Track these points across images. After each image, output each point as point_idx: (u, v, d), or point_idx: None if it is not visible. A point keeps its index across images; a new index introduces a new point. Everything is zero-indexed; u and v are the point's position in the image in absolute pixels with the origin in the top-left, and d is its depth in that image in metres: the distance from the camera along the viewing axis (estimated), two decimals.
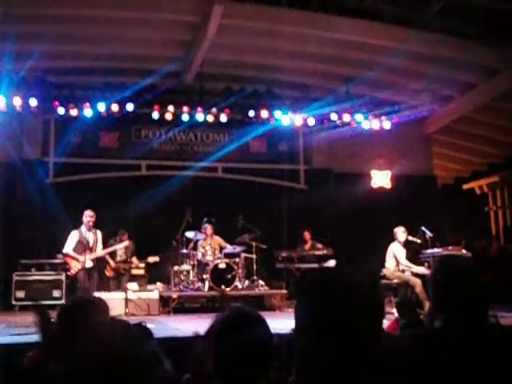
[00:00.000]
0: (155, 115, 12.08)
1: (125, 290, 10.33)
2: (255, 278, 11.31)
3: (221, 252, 11.45)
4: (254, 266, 11.43)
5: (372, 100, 13.05)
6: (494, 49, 10.78)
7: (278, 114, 12.56)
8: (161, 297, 10.39)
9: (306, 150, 14.45)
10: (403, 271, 10.16)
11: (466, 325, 2.12)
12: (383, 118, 13.04)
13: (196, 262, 11.22)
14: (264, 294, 11.25)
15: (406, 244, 10.43)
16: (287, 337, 2.33)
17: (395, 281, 10.08)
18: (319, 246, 12.32)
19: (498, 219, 16.48)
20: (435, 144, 15.22)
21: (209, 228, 11.51)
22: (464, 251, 10.51)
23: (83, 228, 9.85)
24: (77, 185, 12.50)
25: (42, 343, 2.86)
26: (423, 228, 10.66)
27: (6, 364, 5.50)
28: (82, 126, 12.30)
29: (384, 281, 10.10)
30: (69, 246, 9.78)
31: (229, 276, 10.77)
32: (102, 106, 11.54)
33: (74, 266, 9.66)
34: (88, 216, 9.80)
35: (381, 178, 14.39)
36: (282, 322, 4.71)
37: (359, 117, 12.92)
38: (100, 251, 10.12)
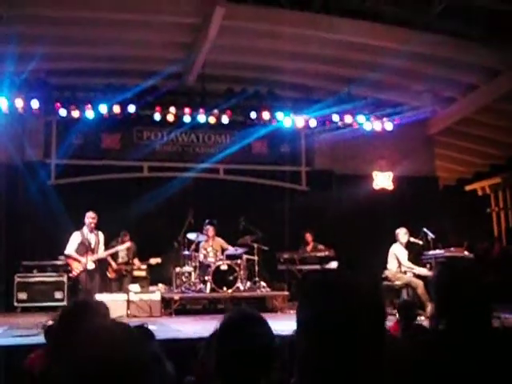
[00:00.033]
0: (157, 117, 12.09)
1: (127, 291, 10.32)
2: (257, 279, 11.31)
3: (222, 253, 11.45)
4: (256, 268, 11.42)
5: (374, 101, 13.05)
6: (495, 50, 10.77)
7: (279, 115, 12.56)
8: (163, 298, 10.39)
9: (308, 151, 14.44)
10: (405, 272, 10.15)
11: (468, 327, 2.11)
12: (385, 119, 13.03)
13: (198, 264, 11.22)
14: (266, 295, 11.25)
15: (408, 245, 10.42)
16: (289, 338, 2.32)
17: (397, 282, 10.07)
18: (321, 247, 12.31)
19: (500, 220, 16.46)
20: (437, 145, 15.21)
21: (210, 229, 11.52)
22: (466, 253, 10.50)
23: (85, 229, 9.86)
24: (78, 186, 12.51)
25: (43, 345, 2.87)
26: (425, 229, 10.65)
27: (8, 365, 5.51)
28: (83, 128, 12.31)
29: (386, 282, 10.09)
30: (71, 248, 9.78)
31: (230, 277, 10.77)
32: (103, 108, 11.54)
33: (76, 268, 9.66)
34: (90, 217, 9.81)
35: (383, 180, 14.38)
36: (283, 324, 4.70)
37: (361, 118, 12.91)
38: (102, 253, 10.13)
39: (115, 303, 9.67)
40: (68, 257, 9.88)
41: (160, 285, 11.35)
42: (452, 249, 10.46)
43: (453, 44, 10.78)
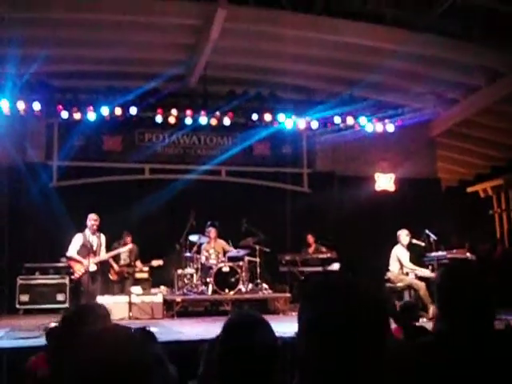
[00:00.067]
0: (158, 119, 12.11)
1: (128, 293, 10.34)
2: (259, 281, 11.30)
3: (224, 255, 11.45)
4: (258, 270, 11.41)
5: (375, 103, 13.05)
6: (497, 51, 10.75)
7: (281, 117, 12.57)
8: (164, 300, 10.39)
9: (310, 153, 14.44)
10: (407, 274, 10.14)
11: (471, 329, 2.11)
12: (387, 121, 13.04)
13: (200, 266, 11.21)
14: (268, 297, 11.23)
15: (410, 247, 10.42)
16: (291, 340, 2.32)
17: (399, 284, 10.06)
18: (323, 249, 12.31)
19: (503, 222, 16.42)
20: (439, 147, 15.19)
21: (212, 231, 11.52)
22: (468, 254, 10.49)
23: (87, 231, 9.86)
24: (80, 188, 12.50)
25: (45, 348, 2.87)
26: (427, 231, 10.65)
27: (10, 367, 5.51)
28: (85, 130, 12.32)
29: (388, 284, 10.09)
30: (73, 249, 9.78)
31: (232, 279, 10.77)
32: (105, 110, 11.56)
33: (78, 270, 9.66)
34: (92, 219, 9.81)
35: (385, 181, 14.38)
36: (285, 326, 4.70)
37: (363, 120, 12.92)
38: (104, 255, 10.13)
39: (117, 305, 9.69)
40: (70, 259, 9.89)
41: (162, 287, 11.35)
42: (454, 250, 10.46)
43: (454, 46, 10.76)
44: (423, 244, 10.55)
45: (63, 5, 9.45)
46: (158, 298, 10.32)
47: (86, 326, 2.39)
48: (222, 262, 11.14)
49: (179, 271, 11.23)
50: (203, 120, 12.16)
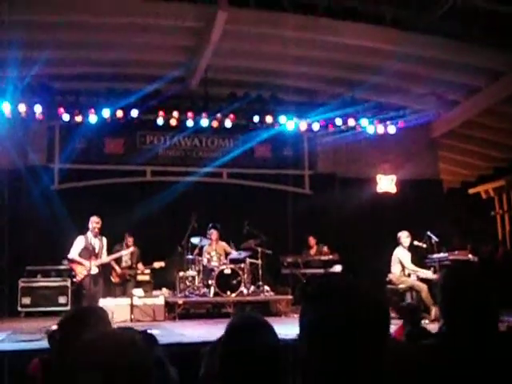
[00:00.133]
0: (160, 121, 12.10)
1: (130, 295, 10.34)
2: (261, 283, 11.29)
3: (226, 257, 11.45)
4: (260, 272, 11.41)
5: (377, 105, 13.04)
6: (498, 52, 10.75)
7: (282, 119, 12.56)
8: (166, 302, 10.39)
9: (311, 155, 14.44)
10: (409, 275, 10.13)
11: (474, 330, 2.10)
12: (388, 122, 13.02)
13: (201, 268, 11.21)
14: (269, 299, 11.23)
15: (412, 248, 10.40)
16: (292, 342, 2.31)
17: (401, 286, 10.05)
18: (325, 249, 12.30)
19: (505, 223, 16.41)
20: (441, 148, 15.18)
21: (214, 233, 11.52)
22: (470, 256, 10.48)
23: (89, 234, 9.86)
24: (82, 191, 12.51)
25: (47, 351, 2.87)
26: (429, 233, 10.62)
27: (11, 370, 5.51)
28: (86, 132, 12.32)
29: (390, 286, 10.08)
30: (74, 251, 9.78)
31: (234, 282, 10.77)
32: (106, 112, 11.55)
33: (80, 272, 9.66)
34: (94, 222, 9.82)
35: (386, 183, 14.36)
36: (287, 328, 4.69)
37: (364, 121, 12.91)
38: (105, 257, 10.13)
39: (119, 308, 9.70)
40: (71, 261, 9.89)
41: (164, 289, 11.36)
42: (456, 252, 10.44)
43: (454, 47, 10.76)
44: (425, 246, 10.53)
45: (64, 7, 9.46)
46: (160, 301, 10.31)
47: (87, 327, 2.39)
48: (224, 264, 11.14)
49: (181, 273, 11.24)
50: (204, 122, 12.16)
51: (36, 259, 11.68)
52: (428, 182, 14.77)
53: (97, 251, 9.84)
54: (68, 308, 10.95)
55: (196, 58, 11.20)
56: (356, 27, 10.32)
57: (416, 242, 10.45)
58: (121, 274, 11.14)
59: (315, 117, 12.62)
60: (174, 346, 6.23)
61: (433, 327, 6.23)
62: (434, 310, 9.12)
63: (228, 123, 12.35)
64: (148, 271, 11.68)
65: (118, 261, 11.11)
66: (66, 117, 11.58)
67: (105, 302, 9.30)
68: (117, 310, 9.44)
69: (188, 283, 11.15)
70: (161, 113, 11.98)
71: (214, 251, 11.46)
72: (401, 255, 10.21)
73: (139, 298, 10.25)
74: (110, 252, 10.47)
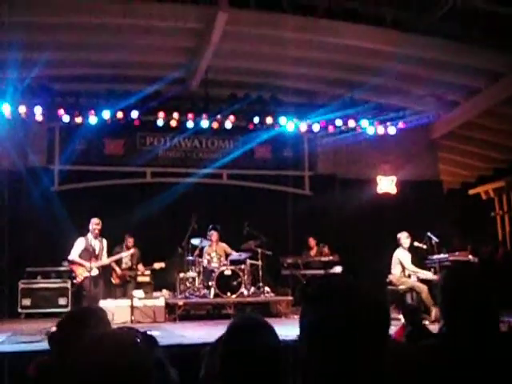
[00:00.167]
0: (160, 122, 12.10)
1: (131, 297, 10.32)
2: (261, 284, 11.29)
3: (226, 259, 11.45)
4: (260, 273, 11.40)
5: (377, 106, 13.04)
6: (497, 53, 10.76)
7: (282, 120, 12.56)
8: (167, 304, 10.39)
9: (311, 156, 14.44)
10: (409, 276, 10.12)
11: (474, 331, 2.10)
12: (388, 123, 13.02)
13: (202, 269, 11.21)
14: (270, 300, 11.22)
15: (412, 249, 10.39)
16: (293, 343, 2.31)
17: (401, 287, 10.04)
18: (326, 250, 12.29)
19: (505, 224, 16.41)
20: (441, 149, 15.19)
21: (214, 235, 11.52)
22: (470, 257, 10.47)
23: (89, 236, 9.86)
24: (82, 192, 12.52)
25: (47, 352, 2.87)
26: (429, 233, 10.62)
27: (11, 372, 5.50)
28: (86, 134, 12.33)
29: (390, 287, 10.07)
30: (75, 253, 9.78)
31: (234, 283, 10.77)
32: (106, 114, 11.55)
33: (80, 274, 9.66)
34: (94, 224, 9.82)
35: (386, 184, 14.36)
36: (287, 329, 4.69)
37: (364, 123, 12.91)
38: (106, 259, 10.13)
39: (119, 309, 9.70)
40: (72, 262, 9.88)
41: (164, 290, 11.36)
42: (456, 253, 10.43)
43: (454, 48, 10.76)
44: (425, 246, 10.52)
45: (64, 9, 9.46)
46: (160, 302, 10.31)
47: (87, 328, 2.38)
48: (224, 265, 11.14)
49: (181, 275, 11.23)
50: (205, 123, 12.16)
51: (36, 260, 11.68)
52: (428, 182, 14.78)
53: (97, 253, 9.84)
54: (68, 309, 10.93)
55: (196, 59, 11.20)
56: (356, 28, 10.33)
57: (416, 243, 10.44)
58: (121, 275, 11.13)
59: (315, 118, 12.63)
60: (174, 347, 6.22)
61: (433, 328, 6.22)
62: (434, 311, 9.11)
63: (228, 124, 12.36)
64: (148, 272, 11.67)
65: (118, 262, 11.10)
66: (66, 118, 11.58)
67: (105, 304, 9.30)
68: (117, 311, 9.44)
69: (188, 284, 11.14)
70: (161, 114, 11.98)
71: (215, 252, 11.46)
72: (401, 256, 10.21)
73: (139, 299, 10.24)
74: (110, 253, 10.47)
